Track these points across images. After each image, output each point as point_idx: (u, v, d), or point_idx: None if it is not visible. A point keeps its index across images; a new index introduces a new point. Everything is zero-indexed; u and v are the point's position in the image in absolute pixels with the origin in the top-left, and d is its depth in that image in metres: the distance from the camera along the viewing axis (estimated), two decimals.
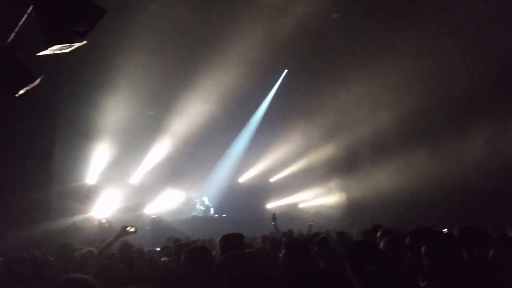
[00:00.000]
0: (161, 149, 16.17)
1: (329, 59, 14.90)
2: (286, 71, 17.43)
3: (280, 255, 4.89)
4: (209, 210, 16.83)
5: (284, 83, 17.57)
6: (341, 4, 12.98)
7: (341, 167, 17.21)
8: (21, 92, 5.77)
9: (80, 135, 13.66)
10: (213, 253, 4.24)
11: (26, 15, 5.30)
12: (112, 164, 15.00)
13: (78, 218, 12.74)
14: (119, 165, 15.17)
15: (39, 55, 5.22)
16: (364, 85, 14.34)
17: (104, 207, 14.26)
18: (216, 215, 16.79)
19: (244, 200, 17.33)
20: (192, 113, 15.54)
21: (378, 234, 4.93)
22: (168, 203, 16.27)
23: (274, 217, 8.24)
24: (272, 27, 12.90)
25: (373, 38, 13.53)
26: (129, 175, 16.14)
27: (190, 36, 13.43)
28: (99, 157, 14.80)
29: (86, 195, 14.02)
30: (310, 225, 10.04)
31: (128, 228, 6.05)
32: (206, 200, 16.97)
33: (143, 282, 4.44)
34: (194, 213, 16.43)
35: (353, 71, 14.11)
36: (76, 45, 5.09)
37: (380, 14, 12.88)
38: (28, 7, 5.18)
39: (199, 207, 16.80)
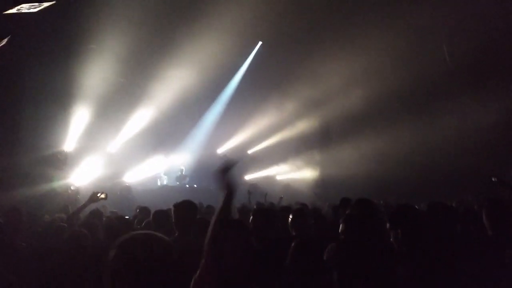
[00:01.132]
0: (139, 116, 15.99)
1: (304, 33, 14.69)
2: (260, 43, 17.21)
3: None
4: (185, 179, 16.75)
5: (259, 55, 17.36)
6: None
7: (316, 142, 17.21)
8: None
9: (56, 102, 13.25)
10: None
11: None
12: (90, 131, 14.69)
13: (56, 183, 12.50)
14: (97, 132, 14.89)
15: (6, 14, 4.95)
16: (338, 60, 14.22)
17: (81, 175, 14.05)
18: (187, 185, 16.70)
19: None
20: (169, 81, 15.30)
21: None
22: (145, 172, 16.15)
23: (249, 192, 9.14)
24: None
25: (350, 14, 13.41)
26: (107, 143, 15.89)
27: (166, 3, 13.09)
28: (76, 124, 14.48)
29: (63, 162, 13.73)
30: (280, 198, 10.15)
31: (98, 194, 5.94)
32: (183, 169, 16.90)
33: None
34: (160, 183, 16.37)
35: (328, 46, 14.01)
36: (45, 4, 4.85)
37: None
38: None
39: (164, 176, 16.75)
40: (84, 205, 5.99)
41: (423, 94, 14.55)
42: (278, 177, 17.87)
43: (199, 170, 17.24)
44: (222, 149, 18.62)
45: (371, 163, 14.39)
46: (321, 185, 15.98)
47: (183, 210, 4.17)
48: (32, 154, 12.06)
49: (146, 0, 12.49)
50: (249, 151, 18.70)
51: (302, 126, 16.99)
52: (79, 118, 14.41)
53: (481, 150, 12.83)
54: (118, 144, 16.10)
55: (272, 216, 4.34)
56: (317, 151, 17.12)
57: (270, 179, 17.34)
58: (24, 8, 4.74)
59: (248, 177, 17.91)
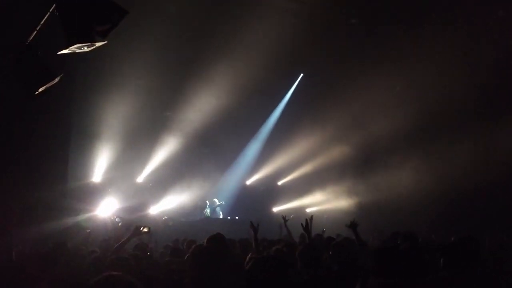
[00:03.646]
0: (170, 148, 16.45)
1: (345, 61, 14.93)
2: (302, 75, 17.76)
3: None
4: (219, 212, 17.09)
5: (299, 86, 17.90)
6: (359, 10, 13.41)
7: (353, 169, 17.12)
8: (41, 90, 6.04)
9: (84, 133, 13.92)
10: None
11: (48, 14, 5.54)
12: (119, 163, 15.19)
13: (81, 217, 12.86)
14: (126, 164, 15.40)
15: (60, 54, 5.44)
16: (379, 82, 14.28)
17: (109, 207, 14.42)
18: (229, 217, 17.01)
19: (253, 202, 17.58)
20: (205, 113, 15.94)
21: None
22: (175, 204, 16.52)
23: (285, 220, 8.62)
24: (289, 30, 13.13)
25: (388, 42, 13.53)
26: (137, 174, 16.40)
27: (208, 38, 13.82)
28: (106, 155, 14.98)
29: (90, 194, 14.17)
30: (323, 231, 10.06)
31: (142, 228, 6.09)
32: (217, 202, 17.24)
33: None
34: (206, 214, 16.71)
35: (369, 73, 14.16)
36: (97, 44, 5.30)
37: (395, 21, 13.09)
38: (51, 5, 5.42)
39: (209, 208, 17.03)
40: (129, 239, 6.06)
41: (465, 114, 13.96)
42: (316, 208, 17.71)
43: (238, 202, 17.69)
44: (251, 181, 18.97)
45: (417, 190, 14.11)
46: (363, 215, 15.75)
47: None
48: (59, 187, 12.57)
49: (187, 35, 13.36)
50: (281, 182, 18.95)
51: (337, 154, 17.06)
52: (111, 149, 14.97)
53: None
54: (148, 175, 16.57)
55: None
56: (357, 179, 16.90)
57: (305, 211, 17.34)
58: (77, 48, 5.23)
59: (279, 208, 18.05)
